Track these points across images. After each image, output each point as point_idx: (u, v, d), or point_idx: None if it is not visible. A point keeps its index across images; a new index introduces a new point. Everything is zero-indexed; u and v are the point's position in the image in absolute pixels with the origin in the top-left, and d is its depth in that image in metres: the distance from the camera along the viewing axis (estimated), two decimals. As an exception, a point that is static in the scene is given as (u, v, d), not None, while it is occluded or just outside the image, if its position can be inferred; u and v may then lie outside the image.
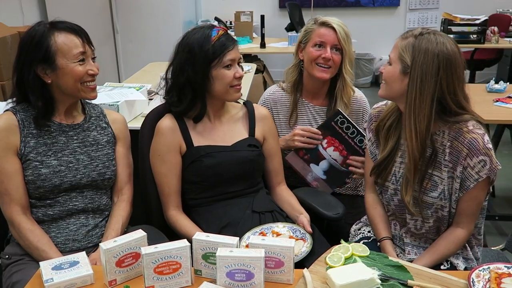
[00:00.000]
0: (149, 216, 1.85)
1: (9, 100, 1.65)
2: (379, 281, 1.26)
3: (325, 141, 2.02)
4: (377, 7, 6.62)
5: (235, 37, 2.00)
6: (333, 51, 2.01)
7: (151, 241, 1.37)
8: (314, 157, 2.05)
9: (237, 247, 1.32)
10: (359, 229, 1.85)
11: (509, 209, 3.40)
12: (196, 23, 6.03)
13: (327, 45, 2.00)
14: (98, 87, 1.67)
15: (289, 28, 5.55)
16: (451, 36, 5.00)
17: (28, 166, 1.58)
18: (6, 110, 1.63)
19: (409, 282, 1.27)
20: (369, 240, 1.75)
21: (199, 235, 1.36)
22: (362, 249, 1.40)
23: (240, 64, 1.74)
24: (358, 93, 2.16)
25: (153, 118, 1.83)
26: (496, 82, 3.21)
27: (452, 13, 5.18)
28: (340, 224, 1.97)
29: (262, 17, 5.11)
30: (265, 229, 1.67)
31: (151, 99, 2.68)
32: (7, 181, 1.57)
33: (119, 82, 3.97)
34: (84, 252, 1.42)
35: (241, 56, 1.77)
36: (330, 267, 1.34)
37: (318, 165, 2.05)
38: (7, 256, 1.62)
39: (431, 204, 1.56)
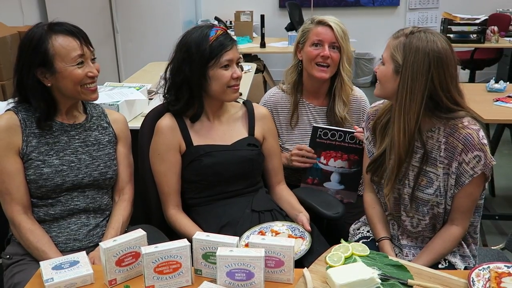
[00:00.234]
0: (149, 216, 1.85)
1: (10, 100, 1.64)
2: (379, 281, 1.26)
3: (322, 158, 2.01)
4: (377, 7, 6.62)
5: (235, 37, 2.00)
6: (331, 49, 2.01)
7: (151, 240, 1.37)
8: (322, 177, 2.04)
9: (237, 247, 1.32)
10: (358, 229, 1.85)
11: (509, 209, 3.40)
12: (196, 22, 6.02)
13: (324, 43, 2.00)
14: (98, 86, 1.66)
15: (289, 28, 5.54)
16: (451, 35, 5.01)
17: (30, 165, 1.58)
18: (8, 110, 1.63)
19: (409, 281, 1.27)
20: (368, 240, 1.75)
21: (199, 235, 1.36)
22: (362, 249, 1.40)
23: (240, 64, 1.74)
24: (358, 92, 2.16)
25: (153, 117, 1.83)
26: (496, 82, 3.20)
27: (452, 12, 5.17)
28: (339, 224, 1.97)
29: (262, 16, 5.12)
30: (264, 228, 1.67)
31: (151, 99, 2.68)
32: (8, 181, 1.57)
33: (119, 82, 3.98)
34: (84, 252, 1.42)
35: (241, 56, 1.77)
36: (330, 266, 1.34)
37: (330, 180, 2.05)
38: (8, 256, 1.62)
39: (427, 201, 1.57)
